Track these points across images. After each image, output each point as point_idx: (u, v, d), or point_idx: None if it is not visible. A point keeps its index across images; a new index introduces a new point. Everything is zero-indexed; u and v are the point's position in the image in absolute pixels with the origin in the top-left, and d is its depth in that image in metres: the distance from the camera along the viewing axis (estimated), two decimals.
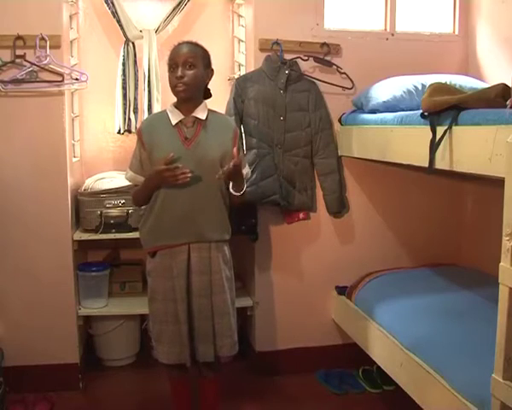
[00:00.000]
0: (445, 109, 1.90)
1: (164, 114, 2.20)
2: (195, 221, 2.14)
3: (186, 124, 2.15)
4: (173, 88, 2.10)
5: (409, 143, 2.18)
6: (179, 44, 2.14)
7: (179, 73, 2.05)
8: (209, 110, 2.20)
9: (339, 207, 2.92)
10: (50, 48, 2.59)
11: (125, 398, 2.81)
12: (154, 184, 2.13)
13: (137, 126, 2.95)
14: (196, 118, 2.15)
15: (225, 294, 2.19)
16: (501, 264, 1.57)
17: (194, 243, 2.14)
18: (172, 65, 2.09)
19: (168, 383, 2.36)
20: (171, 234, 2.15)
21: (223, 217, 2.22)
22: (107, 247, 3.22)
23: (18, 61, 2.57)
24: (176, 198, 2.11)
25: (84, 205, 2.81)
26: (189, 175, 2.04)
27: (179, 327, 2.15)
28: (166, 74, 2.13)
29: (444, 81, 2.25)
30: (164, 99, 2.94)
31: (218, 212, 2.19)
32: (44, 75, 2.61)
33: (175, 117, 2.15)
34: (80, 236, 2.79)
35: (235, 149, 2.12)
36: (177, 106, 2.17)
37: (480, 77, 2.89)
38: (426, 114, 2.00)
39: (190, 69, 2.07)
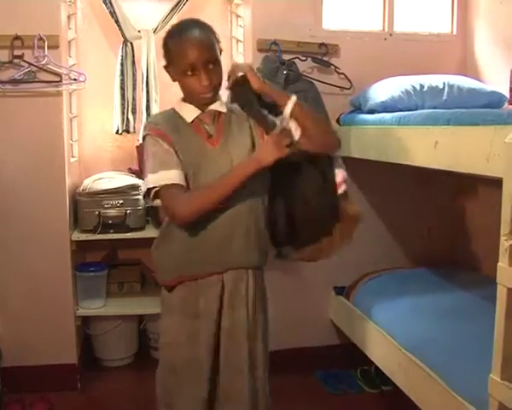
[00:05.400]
0: None
1: (171, 112, 1.75)
2: (235, 243, 1.70)
3: (204, 120, 1.71)
4: (197, 95, 1.67)
5: (407, 144, 2.18)
6: (186, 32, 1.65)
7: (204, 81, 1.62)
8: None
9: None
10: (48, 48, 2.58)
11: (123, 398, 2.81)
12: (256, 169, 1.59)
13: (137, 127, 2.95)
14: (216, 111, 1.72)
15: (265, 338, 1.79)
16: (499, 264, 1.57)
17: (229, 271, 1.71)
18: (189, 69, 1.62)
19: None
20: (204, 261, 1.70)
21: (265, 235, 1.79)
22: (106, 247, 3.22)
23: (16, 61, 2.57)
24: (217, 216, 1.66)
25: (82, 205, 2.80)
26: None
27: (200, 383, 1.70)
28: (165, 74, 1.75)
29: None
30: (162, 99, 2.94)
31: (261, 229, 1.76)
32: (42, 75, 2.61)
33: (190, 113, 1.70)
34: (78, 236, 2.79)
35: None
36: (187, 101, 1.73)
37: (478, 77, 2.89)
38: None
39: (214, 67, 1.65)
